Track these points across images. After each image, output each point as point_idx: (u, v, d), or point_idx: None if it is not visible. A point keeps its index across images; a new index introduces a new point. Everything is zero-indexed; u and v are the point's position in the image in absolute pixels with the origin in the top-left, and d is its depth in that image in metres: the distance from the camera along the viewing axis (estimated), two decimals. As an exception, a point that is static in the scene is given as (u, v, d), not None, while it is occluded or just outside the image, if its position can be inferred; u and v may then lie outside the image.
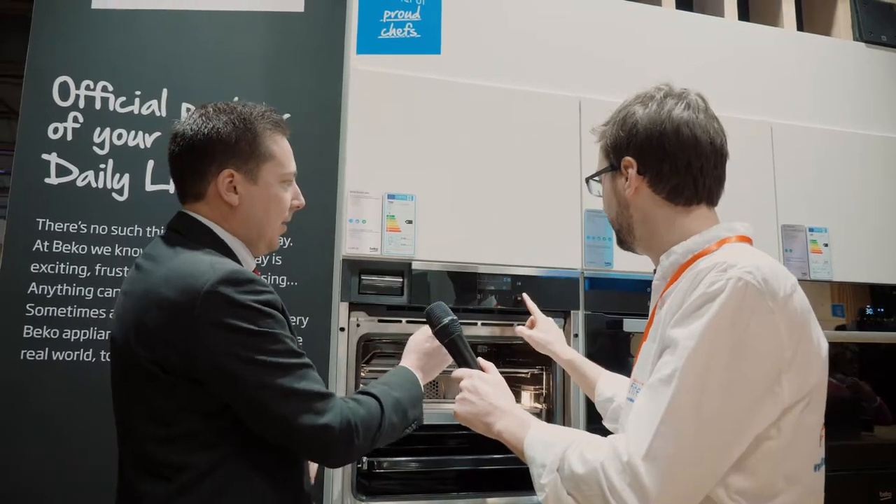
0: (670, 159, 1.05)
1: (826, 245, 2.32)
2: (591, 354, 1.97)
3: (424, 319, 1.86)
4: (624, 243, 1.18)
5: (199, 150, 1.16)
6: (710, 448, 0.89)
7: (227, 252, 1.16)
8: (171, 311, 1.03)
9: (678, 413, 0.88)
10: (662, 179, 1.07)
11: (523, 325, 1.76)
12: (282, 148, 1.23)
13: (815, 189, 2.35)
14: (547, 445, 0.99)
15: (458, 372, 1.18)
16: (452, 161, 1.98)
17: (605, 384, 1.52)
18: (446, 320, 1.23)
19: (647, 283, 2.08)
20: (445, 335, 1.23)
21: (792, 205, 2.32)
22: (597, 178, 1.19)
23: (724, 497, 0.91)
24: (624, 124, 1.10)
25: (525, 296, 1.83)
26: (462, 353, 1.22)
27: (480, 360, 1.20)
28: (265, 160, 1.19)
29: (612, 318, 2.02)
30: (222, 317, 1.02)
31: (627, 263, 2.05)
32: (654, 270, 1.11)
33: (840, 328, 2.28)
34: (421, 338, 1.35)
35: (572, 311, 2.01)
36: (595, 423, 1.84)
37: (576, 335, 1.99)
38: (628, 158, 1.08)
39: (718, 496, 0.91)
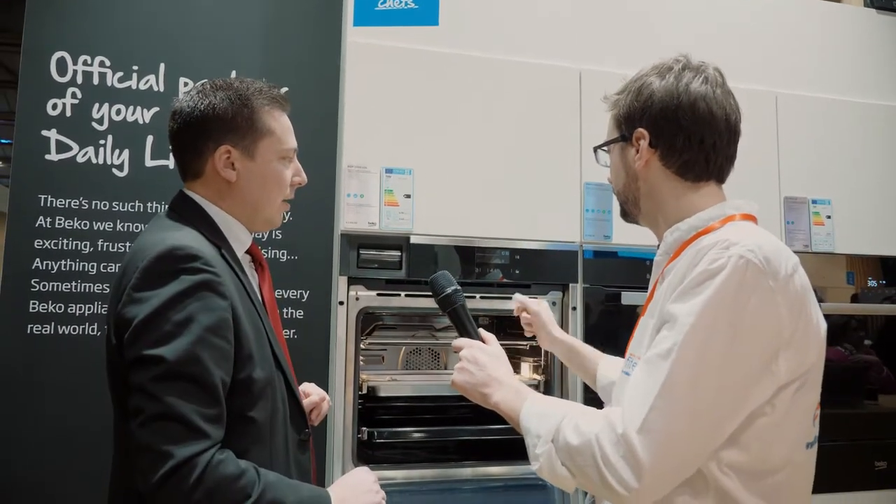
0: (684, 134, 1.04)
1: (829, 217, 2.30)
2: (590, 327, 1.99)
3: (424, 292, 1.90)
4: (628, 215, 1.17)
5: (197, 127, 1.16)
6: (704, 423, 0.90)
7: (215, 230, 1.17)
8: (119, 288, 1.06)
9: (674, 388, 0.89)
10: (674, 154, 1.05)
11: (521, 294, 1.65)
12: (281, 124, 1.22)
13: (819, 160, 2.33)
14: (542, 417, 1.00)
15: (459, 342, 1.18)
16: (451, 134, 1.97)
17: (607, 368, 1.47)
18: (449, 290, 1.22)
19: (646, 257, 2.08)
20: (448, 304, 1.22)
21: (795, 176, 2.29)
22: (605, 149, 1.17)
23: (716, 471, 0.92)
24: (639, 95, 1.08)
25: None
26: (464, 324, 1.21)
27: (482, 331, 1.20)
28: (263, 136, 1.19)
29: (611, 291, 2.02)
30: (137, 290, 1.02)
31: (627, 236, 2.05)
32: (658, 246, 1.11)
33: (852, 298, 2.27)
34: (367, 478, 1.20)
35: (571, 284, 2.01)
36: (592, 394, 1.86)
37: (574, 308, 2.00)
38: (641, 130, 1.07)
39: (710, 470, 0.92)
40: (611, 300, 2.02)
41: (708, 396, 0.89)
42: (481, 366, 1.12)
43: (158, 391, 0.97)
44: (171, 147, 1.21)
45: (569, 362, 1.57)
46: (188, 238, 1.09)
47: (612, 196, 2.07)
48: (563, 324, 2.01)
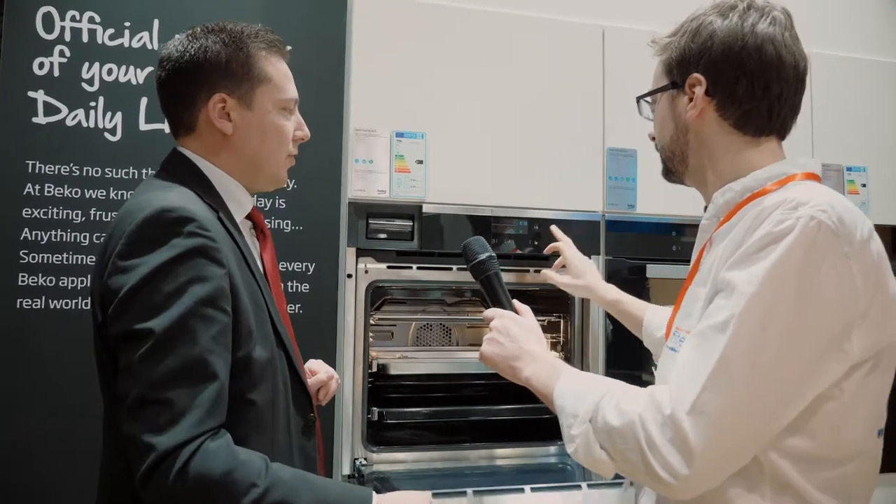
0: (747, 80, 0.93)
1: (864, 185, 2.19)
2: (612, 302, 1.89)
3: (437, 265, 1.80)
4: (672, 174, 1.06)
5: (187, 73, 1.06)
6: (764, 405, 0.80)
7: (211, 190, 1.07)
8: (104, 257, 0.97)
9: (731, 364, 0.79)
10: (734, 103, 0.94)
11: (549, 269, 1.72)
12: (279, 70, 1.12)
13: (855, 125, 2.21)
14: (579, 395, 0.92)
15: (490, 311, 1.10)
16: (466, 96, 1.86)
17: (654, 320, 1.42)
18: (483, 256, 1.15)
19: (672, 227, 1.97)
20: (481, 272, 1.15)
21: (829, 142, 2.17)
22: (649, 99, 1.06)
23: (777, 459, 0.83)
24: (696, 35, 0.96)
25: (554, 228, 1.77)
26: (496, 293, 1.13)
27: (516, 302, 1.12)
28: (260, 83, 1.08)
29: (635, 264, 1.92)
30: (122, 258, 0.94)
31: (652, 206, 1.95)
32: (705, 208, 1.00)
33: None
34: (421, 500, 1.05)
35: (592, 256, 1.90)
36: (613, 368, 1.78)
37: (596, 281, 1.90)
38: (697, 76, 0.96)
39: (768, 458, 0.83)
40: (635, 273, 1.91)
41: (769, 375, 0.79)
42: (513, 338, 1.03)
43: (145, 371, 0.88)
44: (159, 99, 1.10)
45: (617, 316, 1.59)
46: (180, 198, 0.98)
47: (636, 163, 1.97)
48: (584, 298, 1.91)
